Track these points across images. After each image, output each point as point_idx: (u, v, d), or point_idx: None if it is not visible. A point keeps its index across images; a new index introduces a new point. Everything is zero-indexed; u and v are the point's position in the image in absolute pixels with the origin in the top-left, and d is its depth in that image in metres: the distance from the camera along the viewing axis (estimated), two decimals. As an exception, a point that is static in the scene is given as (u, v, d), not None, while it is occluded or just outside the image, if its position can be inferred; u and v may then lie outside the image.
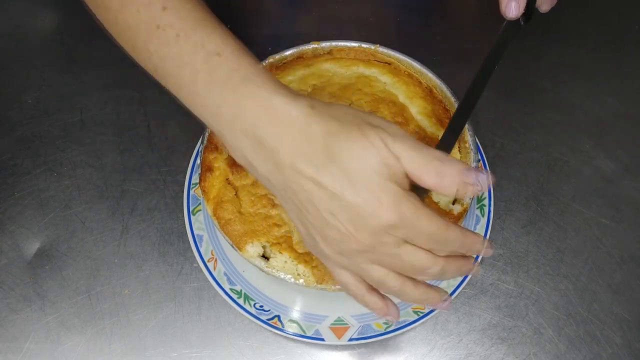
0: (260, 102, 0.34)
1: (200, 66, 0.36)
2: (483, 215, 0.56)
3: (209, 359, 0.51)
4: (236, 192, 0.49)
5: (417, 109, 0.52)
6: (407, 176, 0.33)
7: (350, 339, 0.50)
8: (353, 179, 0.32)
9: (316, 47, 0.56)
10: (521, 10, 0.42)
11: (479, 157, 0.57)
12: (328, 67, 0.55)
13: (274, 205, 0.47)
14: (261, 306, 0.52)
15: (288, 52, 0.55)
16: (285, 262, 0.46)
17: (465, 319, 0.53)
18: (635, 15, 0.72)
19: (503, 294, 0.55)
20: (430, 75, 0.54)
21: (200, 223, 0.55)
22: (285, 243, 0.46)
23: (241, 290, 0.52)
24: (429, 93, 0.54)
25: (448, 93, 0.53)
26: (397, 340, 0.53)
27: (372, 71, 0.54)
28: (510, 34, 0.42)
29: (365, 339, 0.50)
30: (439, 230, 0.32)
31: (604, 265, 0.56)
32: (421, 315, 0.51)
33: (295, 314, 0.51)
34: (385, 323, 0.51)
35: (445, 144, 0.39)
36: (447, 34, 0.71)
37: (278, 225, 0.47)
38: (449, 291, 0.52)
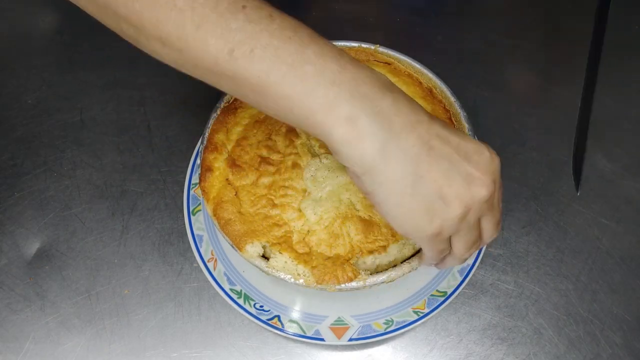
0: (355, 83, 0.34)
1: (241, 56, 0.32)
2: None
3: (208, 359, 0.51)
4: (236, 192, 0.49)
5: None
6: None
7: (351, 339, 0.50)
8: (461, 146, 0.36)
9: None
10: None
11: None
12: None
13: (274, 205, 0.47)
14: (261, 306, 0.52)
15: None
16: (285, 262, 0.46)
17: (465, 319, 0.53)
18: (636, 15, 0.72)
19: (503, 294, 0.55)
20: (430, 75, 0.54)
21: (200, 223, 0.55)
22: (285, 243, 0.46)
23: (241, 291, 0.52)
24: (429, 93, 0.54)
25: (448, 93, 0.53)
26: (397, 340, 0.53)
27: None
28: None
29: (365, 339, 0.50)
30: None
31: (604, 265, 0.56)
32: (421, 315, 0.51)
33: (295, 314, 0.51)
34: (385, 323, 0.51)
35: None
36: (447, 34, 0.71)
37: (278, 225, 0.47)
38: (449, 291, 0.52)
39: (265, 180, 0.48)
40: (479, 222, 0.37)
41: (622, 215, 0.59)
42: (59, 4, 0.73)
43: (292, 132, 0.50)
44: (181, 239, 0.57)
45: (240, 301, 0.52)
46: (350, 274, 0.44)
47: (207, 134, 0.51)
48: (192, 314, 0.53)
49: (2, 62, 0.68)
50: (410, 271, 0.45)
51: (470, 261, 0.53)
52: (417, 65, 0.54)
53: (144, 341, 0.52)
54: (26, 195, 0.59)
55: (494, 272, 0.56)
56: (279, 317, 0.51)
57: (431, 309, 0.51)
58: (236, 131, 0.52)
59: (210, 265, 0.53)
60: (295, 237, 0.46)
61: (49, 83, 0.66)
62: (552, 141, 0.63)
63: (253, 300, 0.52)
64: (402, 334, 0.52)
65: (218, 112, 0.52)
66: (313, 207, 0.47)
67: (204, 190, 0.49)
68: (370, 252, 0.46)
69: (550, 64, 0.69)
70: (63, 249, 0.56)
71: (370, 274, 0.45)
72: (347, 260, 0.45)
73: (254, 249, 0.46)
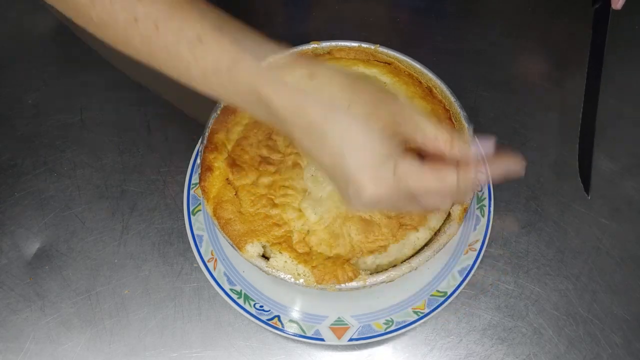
0: (269, 83, 0.34)
1: (188, 55, 0.35)
2: (483, 216, 0.56)
3: (208, 359, 0.51)
4: (236, 192, 0.49)
5: None
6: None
7: (351, 339, 0.50)
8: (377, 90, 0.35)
9: (316, 47, 0.56)
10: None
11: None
12: None
13: (274, 205, 0.47)
14: (261, 306, 0.52)
15: (287, 52, 0.55)
16: (285, 262, 0.46)
17: (465, 319, 0.53)
18: (636, 15, 0.72)
19: (503, 294, 0.55)
20: (430, 75, 0.54)
21: (200, 223, 0.55)
22: (285, 243, 0.46)
23: (241, 291, 0.52)
24: (429, 93, 0.54)
25: (447, 92, 0.53)
26: (397, 340, 0.53)
27: (373, 71, 0.54)
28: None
29: (365, 339, 0.50)
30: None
31: (604, 265, 0.56)
32: (421, 315, 0.51)
33: (295, 314, 0.51)
34: (385, 323, 0.51)
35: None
36: (447, 34, 0.71)
37: (278, 225, 0.47)
38: (449, 291, 0.52)
39: (266, 179, 0.48)
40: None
41: (622, 215, 0.59)
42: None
43: None
44: (181, 239, 0.57)
45: (240, 301, 0.52)
46: (350, 274, 0.44)
47: (207, 134, 0.51)
48: (192, 314, 0.53)
49: (2, 62, 0.68)
50: (410, 271, 0.45)
51: (470, 262, 0.53)
52: (417, 65, 0.54)
53: (144, 341, 0.52)
54: (26, 195, 0.59)
55: (494, 272, 0.56)
56: (279, 317, 0.51)
57: (431, 309, 0.51)
58: (236, 131, 0.52)
59: (210, 265, 0.53)
60: (295, 237, 0.46)
61: (49, 83, 0.66)
62: (552, 141, 0.63)
63: (253, 300, 0.52)
64: (402, 334, 0.52)
65: (218, 112, 0.52)
66: (313, 207, 0.47)
67: (204, 190, 0.49)
68: (371, 252, 0.46)
69: (550, 64, 0.69)
70: (63, 249, 0.56)
71: (370, 274, 0.45)
72: (347, 260, 0.45)
73: (254, 248, 0.46)
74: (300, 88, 0.34)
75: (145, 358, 0.51)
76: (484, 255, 0.56)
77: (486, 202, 0.57)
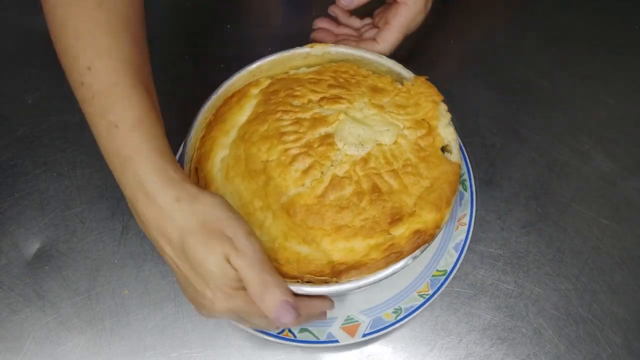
0: (136, 183, 0.38)
1: (104, 132, 0.39)
2: (466, 190, 0.57)
3: (208, 359, 0.51)
4: None
5: None
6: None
7: (364, 335, 0.50)
8: (198, 271, 0.38)
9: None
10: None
11: (464, 160, 0.57)
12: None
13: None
14: None
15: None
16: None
17: (465, 319, 0.53)
18: (636, 15, 0.72)
19: (503, 294, 0.55)
20: (368, 56, 0.53)
21: None
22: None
23: None
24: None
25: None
26: (397, 340, 0.53)
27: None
28: None
29: (378, 332, 0.50)
30: (260, 311, 0.39)
31: (604, 265, 0.56)
32: (427, 297, 0.52)
33: (305, 322, 0.51)
34: (394, 312, 0.51)
35: None
36: (447, 34, 0.71)
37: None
38: (448, 269, 0.53)
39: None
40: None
41: (622, 215, 0.59)
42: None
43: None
44: (181, 239, 0.57)
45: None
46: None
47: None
48: (192, 314, 0.53)
49: (2, 62, 0.68)
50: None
51: (462, 236, 0.54)
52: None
53: (144, 341, 0.52)
54: (26, 195, 0.59)
55: (494, 272, 0.56)
56: (289, 328, 0.50)
57: (435, 289, 0.52)
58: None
59: None
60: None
61: (49, 83, 0.66)
62: (552, 141, 0.63)
63: None
64: (402, 333, 0.52)
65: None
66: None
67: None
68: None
69: (550, 64, 0.69)
70: (63, 249, 0.56)
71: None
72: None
73: None
74: (165, 208, 0.38)
75: (145, 358, 0.51)
76: (483, 256, 0.56)
77: (466, 176, 0.57)
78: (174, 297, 0.54)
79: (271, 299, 0.37)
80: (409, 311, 0.51)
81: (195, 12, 0.74)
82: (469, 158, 0.58)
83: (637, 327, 0.53)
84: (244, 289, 0.38)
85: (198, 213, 0.38)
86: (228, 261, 0.37)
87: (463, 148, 0.58)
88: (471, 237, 0.54)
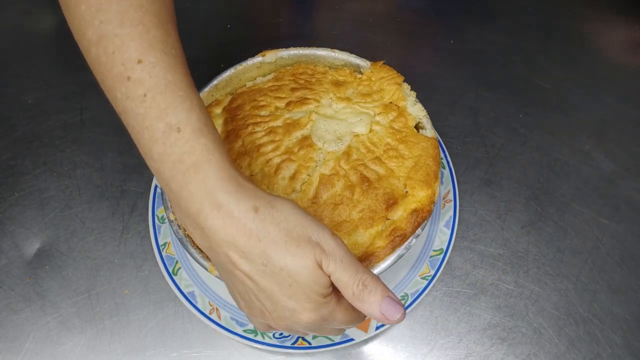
0: (206, 193, 0.34)
1: (160, 136, 0.35)
2: (444, 168, 0.59)
3: (209, 359, 0.51)
4: None
5: None
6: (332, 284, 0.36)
7: (377, 327, 0.51)
8: (285, 283, 0.35)
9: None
10: None
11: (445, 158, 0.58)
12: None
13: None
14: (280, 334, 0.51)
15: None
16: None
17: (465, 319, 0.53)
18: (636, 16, 0.72)
19: (503, 294, 0.55)
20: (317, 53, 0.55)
21: (186, 280, 0.53)
22: None
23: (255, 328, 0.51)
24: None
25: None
26: (397, 340, 0.53)
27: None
28: None
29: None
30: (351, 319, 0.38)
31: (604, 265, 0.56)
32: (429, 279, 0.53)
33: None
34: (401, 299, 0.51)
35: None
36: (447, 34, 0.71)
37: None
38: (444, 247, 0.54)
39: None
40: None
41: (622, 215, 0.59)
42: (58, 4, 0.73)
43: None
44: (181, 239, 0.57)
45: (259, 338, 0.50)
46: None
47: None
48: (192, 314, 0.53)
49: (2, 62, 0.68)
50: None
51: (451, 212, 0.56)
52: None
53: (144, 341, 0.52)
54: (26, 195, 0.59)
55: (494, 272, 0.56)
56: (302, 337, 0.50)
57: (436, 269, 0.53)
58: None
59: (213, 316, 0.51)
60: None
61: (49, 83, 0.66)
62: (552, 141, 0.63)
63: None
64: (402, 333, 0.52)
65: None
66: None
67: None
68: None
69: (550, 64, 0.69)
70: (63, 249, 0.56)
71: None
72: None
73: None
74: (242, 220, 0.34)
75: (145, 358, 0.51)
76: (483, 255, 0.56)
77: (441, 153, 0.58)
78: (174, 297, 0.54)
79: (373, 298, 0.35)
80: (415, 296, 0.52)
81: (195, 12, 0.74)
82: (443, 139, 0.58)
83: (637, 327, 0.53)
84: (331, 295, 0.36)
85: (280, 222, 0.34)
86: (320, 267, 0.35)
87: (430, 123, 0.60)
88: (469, 235, 0.54)
